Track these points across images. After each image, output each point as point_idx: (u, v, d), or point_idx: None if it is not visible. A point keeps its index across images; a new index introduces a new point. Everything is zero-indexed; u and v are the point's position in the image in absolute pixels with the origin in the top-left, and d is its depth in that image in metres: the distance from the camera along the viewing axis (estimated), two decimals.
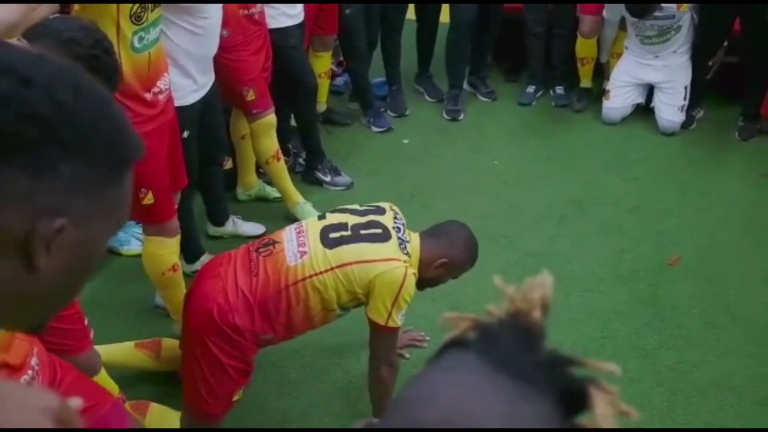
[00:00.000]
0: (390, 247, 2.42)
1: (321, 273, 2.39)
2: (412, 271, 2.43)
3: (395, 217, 2.53)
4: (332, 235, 2.45)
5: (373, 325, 2.46)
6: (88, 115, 0.75)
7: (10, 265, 0.74)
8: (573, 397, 0.59)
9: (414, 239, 2.52)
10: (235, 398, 2.54)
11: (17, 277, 0.75)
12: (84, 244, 0.77)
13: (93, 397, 1.95)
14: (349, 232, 2.45)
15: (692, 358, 3.07)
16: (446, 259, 2.53)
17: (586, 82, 5.07)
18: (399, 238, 2.45)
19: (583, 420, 0.61)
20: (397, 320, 2.43)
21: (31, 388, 0.68)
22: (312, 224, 2.52)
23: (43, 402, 0.65)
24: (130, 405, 2.80)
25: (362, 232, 2.45)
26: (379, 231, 2.45)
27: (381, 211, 2.53)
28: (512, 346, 0.61)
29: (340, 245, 2.42)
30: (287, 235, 2.50)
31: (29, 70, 0.73)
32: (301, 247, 2.44)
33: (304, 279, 2.39)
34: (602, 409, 0.58)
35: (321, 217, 2.55)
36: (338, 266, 2.39)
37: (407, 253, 2.44)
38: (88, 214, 0.76)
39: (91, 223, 0.77)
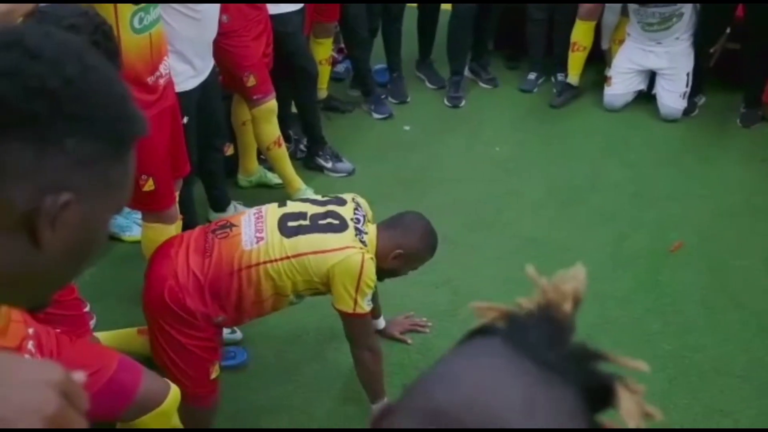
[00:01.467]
0: (345, 237, 2.41)
1: (276, 260, 2.38)
2: (370, 256, 2.42)
3: (356, 209, 2.52)
4: (290, 223, 2.44)
5: (342, 314, 2.46)
6: (94, 91, 0.75)
7: (16, 241, 0.74)
8: (598, 392, 0.58)
9: (372, 231, 2.51)
10: (214, 376, 2.51)
11: (22, 253, 0.75)
12: (87, 221, 0.77)
13: (96, 363, 1.96)
14: (307, 222, 2.44)
15: (693, 343, 3.08)
16: (402, 250, 2.53)
17: (573, 77, 4.95)
18: (357, 228, 2.44)
19: (606, 417, 0.60)
20: (364, 306, 2.42)
21: (36, 360, 0.68)
22: (272, 211, 2.50)
23: (48, 374, 0.64)
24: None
25: (320, 222, 2.44)
26: (336, 222, 2.44)
27: (341, 202, 2.53)
28: (540, 336, 0.60)
29: (297, 235, 2.41)
30: (245, 219, 2.49)
31: (37, 43, 0.73)
32: (259, 232, 2.42)
33: (258, 264, 2.38)
34: (627, 407, 0.57)
35: (281, 205, 2.54)
36: (294, 255, 2.38)
37: (363, 243, 2.44)
38: (92, 190, 0.76)
39: (94, 200, 0.77)
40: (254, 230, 2.43)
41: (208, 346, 2.47)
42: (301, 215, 2.46)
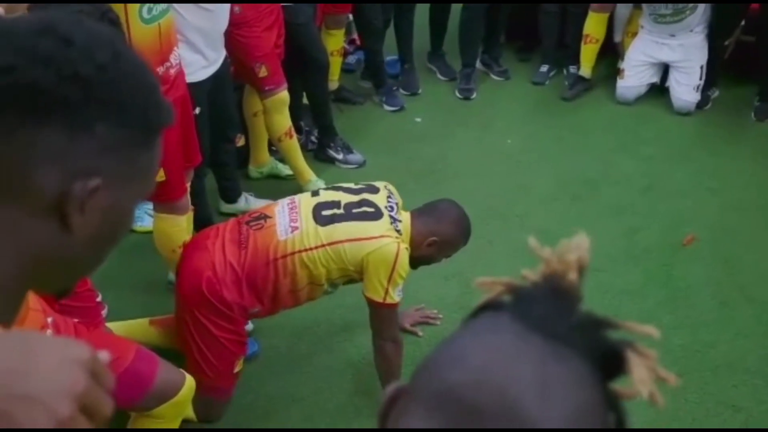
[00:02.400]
0: (381, 225, 2.42)
1: (311, 249, 2.40)
2: (405, 246, 2.43)
3: (389, 197, 2.52)
4: (325, 212, 2.45)
5: (371, 303, 2.47)
6: (125, 78, 0.77)
7: (46, 226, 0.75)
8: (609, 360, 0.57)
9: (405, 218, 2.52)
10: (237, 370, 2.55)
11: (51, 237, 0.76)
12: (115, 207, 0.79)
13: (114, 352, 1.98)
14: (341, 210, 2.45)
15: (706, 338, 3.06)
16: (436, 237, 2.53)
17: (585, 69, 4.90)
18: (391, 216, 2.45)
19: (620, 385, 0.59)
20: (395, 296, 2.44)
21: (63, 338, 0.69)
22: (305, 200, 2.52)
23: (75, 353, 0.64)
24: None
25: (354, 210, 2.45)
26: (371, 210, 2.45)
27: (374, 190, 2.53)
28: (546, 307, 0.59)
29: (332, 223, 2.42)
30: (279, 210, 2.50)
31: (70, 30, 0.74)
32: (293, 222, 2.44)
33: (293, 253, 2.40)
34: (639, 374, 0.56)
35: (315, 194, 2.56)
36: (329, 243, 2.40)
37: (398, 231, 2.44)
38: (120, 176, 0.78)
39: (122, 186, 0.79)
40: (288, 220, 2.45)
41: (238, 341, 2.51)
42: (335, 204, 2.47)
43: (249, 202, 3.73)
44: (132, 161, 0.79)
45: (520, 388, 0.54)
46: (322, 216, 2.44)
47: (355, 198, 2.49)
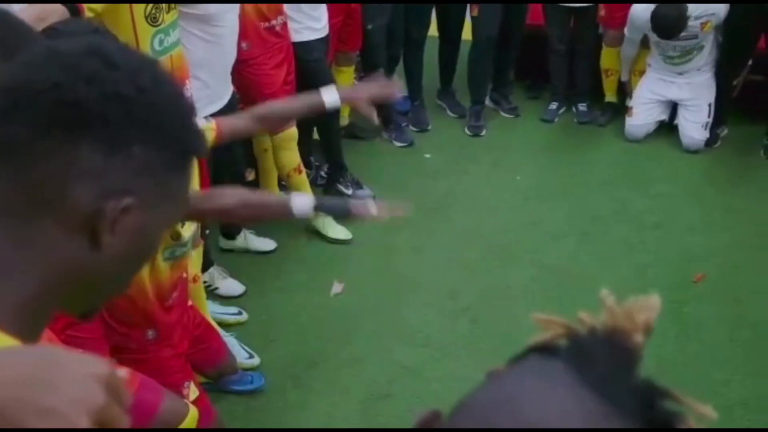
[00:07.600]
0: None
1: None
2: None
3: None
4: None
5: None
6: (164, 102, 0.79)
7: (76, 242, 0.77)
8: (658, 429, 0.56)
9: None
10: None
11: (80, 254, 0.78)
12: (144, 229, 0.80)
13: None
14: None
15: (718, 376, 3.02)
16: None
17: (610, 96, 5.02)
18: None
19: None
20: None
21: (81, 354, 0.69)
22: None
23: (94, 368, 0.64)
24: None
25: None
26: None
27: None
28: (606, 366, 0.56)
29: None
30: None
31: (114, 54, 0.77)
32: None
33: None
34: None
35: None
36: None
37: None
38: (152, 198, 0.80)
39: (153, 208, 0.80)
40: None
41: None
42: None
43: (248, 239, 3.72)
44: (165, 184, 0.81)
45: None
46: None
47: None
